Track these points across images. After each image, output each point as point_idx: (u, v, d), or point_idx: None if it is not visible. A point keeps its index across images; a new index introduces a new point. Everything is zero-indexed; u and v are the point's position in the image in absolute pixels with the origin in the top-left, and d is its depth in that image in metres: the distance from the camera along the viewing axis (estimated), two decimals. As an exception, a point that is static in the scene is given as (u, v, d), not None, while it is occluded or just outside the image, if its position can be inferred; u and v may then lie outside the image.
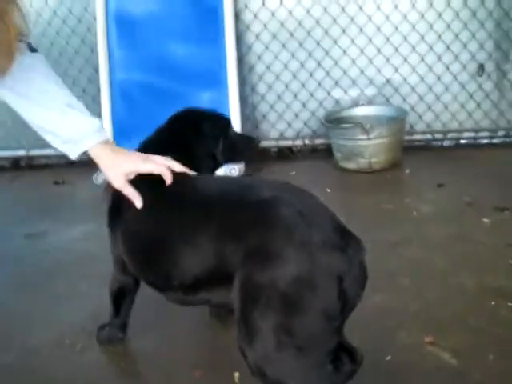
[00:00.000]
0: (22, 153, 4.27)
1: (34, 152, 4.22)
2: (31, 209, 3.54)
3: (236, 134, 2.21)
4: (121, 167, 1.74)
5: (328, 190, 3.41)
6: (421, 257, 2.56)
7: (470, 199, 3.07)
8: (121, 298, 2.04)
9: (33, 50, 1.80)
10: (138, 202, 1.72)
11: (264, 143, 4.05)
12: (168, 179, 1.72)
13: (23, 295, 2.52)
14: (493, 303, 2.19)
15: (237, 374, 1.87)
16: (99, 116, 3.89)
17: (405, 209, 3.07)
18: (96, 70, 3.96)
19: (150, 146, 1.94)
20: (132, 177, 1.76)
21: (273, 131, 4.11)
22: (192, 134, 1.99)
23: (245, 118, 4.05)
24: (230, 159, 2.16)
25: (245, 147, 2.18)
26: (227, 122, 2.14)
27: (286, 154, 4.10)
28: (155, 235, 1.69)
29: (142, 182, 1.76)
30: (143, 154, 1.81)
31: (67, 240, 3.04)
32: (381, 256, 2.58)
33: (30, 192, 3.89)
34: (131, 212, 1.75)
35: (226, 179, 1.78)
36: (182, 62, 3.83)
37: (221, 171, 3.53)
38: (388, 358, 1.95)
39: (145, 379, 1.98)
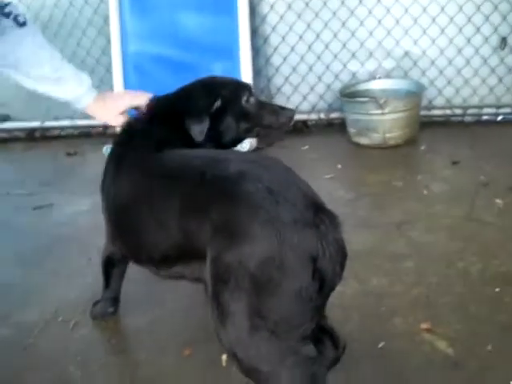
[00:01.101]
0: (36, 124, 4.27)
1: (49, 123, 4.23)
2: (42, 180, 3.54)
3: (261, 102, 2.03)
4: (111, 110, 2.01)
5: (339, 166, 3.33)
6: (426, 238, 2.48)
7: (485, 178, 2.96)
8: (110, 268, 2.04)
9: (21, 24, 1.84)
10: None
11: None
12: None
13: (22, 269, 2.52)
14: (497, 289, 2.10)
15: (224, 357, 1.83)
16: (111, 87, 3.87)
17: (415, 187, 2.98)
18: (109, 40, 3.91)
19: (162, 108, 1.92)
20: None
21: (287, 104, 3.99)
22: (201, 97, 1.89)
23: (259, 90, 3.97)
24: (249, 130, 1.98)
25: (269, 117, 1.97)
26: (242, 87, 1.98)
27: (300, 128, 4.00)
28: (126, 208, 1.69)
29: (118, 154, 1.79)
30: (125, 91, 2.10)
31: (72, 213, 3.04)
32: (384, 236, 2.52)
33: (42, 163, 3.90)
34: (108, 181, 1.78)
35: (197, 153, 1.66)
36: (195, 33, 3.75)
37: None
38: (381, 344, 1.89)
39: (133, 356, 1.98)
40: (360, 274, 2.27)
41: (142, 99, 1.99)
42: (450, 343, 1.87)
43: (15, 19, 1.79)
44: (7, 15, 1.79)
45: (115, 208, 1.76)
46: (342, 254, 1.41)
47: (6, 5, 1.81)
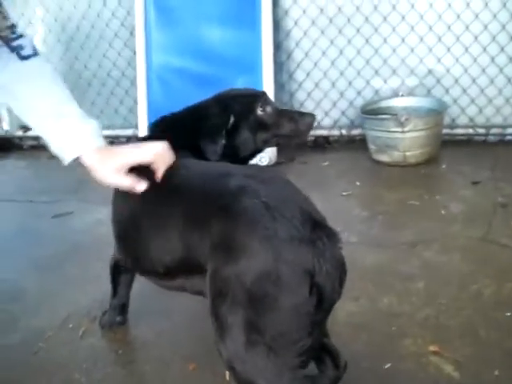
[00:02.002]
0: (62, 133, 4.34)
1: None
2: (65, 189, 3.60)
3: (279, 110, 1.96)
4: (107, 165, 1.62)
5: (357, 183, 3.32)
6: (440, 259, 2.45)
7: (504, 200, 2.92)
8: (117, 275, 2.06)
9: (23, 57, 1.68)
10: (138, 187, 1.63)
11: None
12: (158, 169, 1.63)
13: (36, 276, 2.57)
14: (508, 314, 2.07)
15: (228, 372, 1.83)
16: (135, 100, 3.93)
17: (433, 206, 2.95)
18: (135, 53, 3.97)
19: (175, 124, 1.90)
20: (124, 170, 1.65)
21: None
22: (215, 116, 1.87)
23: (282, 105, 3.98)
24: (268, 140, 1.93)
25: (285, 123, 1.92)
26: (256, 97, 1.92)
27: (321, 144, 4.01)
28: (129, 219, 1.72)
29: None
30: (135, 144, 1.77)
31: (92, 222, 3.07)
32: (398, 256, 2.50)
33: (66, 172, 3.85)
34: (116, 194, 1.80)
35: (201, 166, 1.66)
36: (218, 46, 3.79)
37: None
38: (387, 365, 1.87)
39: (138, 368, 1.99)
40: (371, 292, 2.26)
41: (147, 155, 1.63)
42: (456, 367, 1.84)
43: (18, 53, 1.66)
44: (12, 49, 1.66)
45: (119, 219, 1.79)
46: (340, 271, 1.40)
47: (19, 36, 1.67)
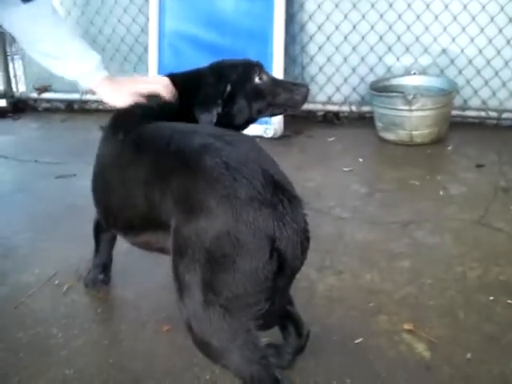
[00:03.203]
0: (76, 96, 4.39)
1: (87, 96, 4.33)
2: (71, 151, 3.64)
3: (274, 80, 1.97)
4: (121, 91, 1.86)
5: (360, 160, 3.29)
6: (430, 239, 2.43)
7: (506, 184, 2.87)
8: (98, 234, 2.09)
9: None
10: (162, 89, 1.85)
11: (310, 106, 3.96)
12: (164, 94, 1.83)
13: (31, 233, 2.61)
14: (491, 298, 2.04)
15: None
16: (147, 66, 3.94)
17: (433, 187, 2.91)
18: (149, 19, 3.96)
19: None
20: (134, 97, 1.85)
21: (320, 94, 3.98)
22: (211, 85, 1.87)
23: (293, 78, 3.95)
24: (262, 110, 1.94)
25: (281, 94, 1.93)
26: (252, 66, 1.93)
27: (330, 119, 3.97)
28: (100, 173, 1.78)
29: (109, 124, 1.83)
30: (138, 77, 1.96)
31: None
32: (388, 234, 2.49)
33: (75, 135, 4.01)
34: (98, 151, 1.83)
35: (170, 125, 1.66)
36: (231, 15, 3.77)
37: (256, 131, 3.53)
38: (358, 340, 1.86)
39: (114, 326, 2.02)
40: (355, 268, 2.25)
41: (157, 86, 1.85)
42: (428, 347, 1.82)
43: None
44: None
45: (94, 173, 1.82)
46: (303, 237, 1.38)
47: None
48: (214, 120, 1.84)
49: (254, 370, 1.41)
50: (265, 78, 1.93)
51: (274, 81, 1.97)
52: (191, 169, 1.40)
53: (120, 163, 1.66)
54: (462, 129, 3.60)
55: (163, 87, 1.86)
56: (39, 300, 2.14)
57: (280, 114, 2.13)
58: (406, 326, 1.92)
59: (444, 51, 3.62)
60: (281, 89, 1.95)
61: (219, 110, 1.86)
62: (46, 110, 4.61)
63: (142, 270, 2.26)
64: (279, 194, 1.35)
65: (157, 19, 3.89)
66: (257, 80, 1.92)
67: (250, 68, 1.93)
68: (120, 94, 1.86)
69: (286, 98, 1.94)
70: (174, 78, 1.95)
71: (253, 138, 1.57)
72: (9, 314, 2.07)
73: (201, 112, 1.83)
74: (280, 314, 1.55)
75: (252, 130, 3.70)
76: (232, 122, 1.90)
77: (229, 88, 1.88)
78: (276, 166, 1.45)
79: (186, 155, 1.44)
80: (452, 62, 3.61)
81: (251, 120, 1.97)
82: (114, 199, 1.69)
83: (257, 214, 1.31)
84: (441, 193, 2.84)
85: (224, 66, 1.94)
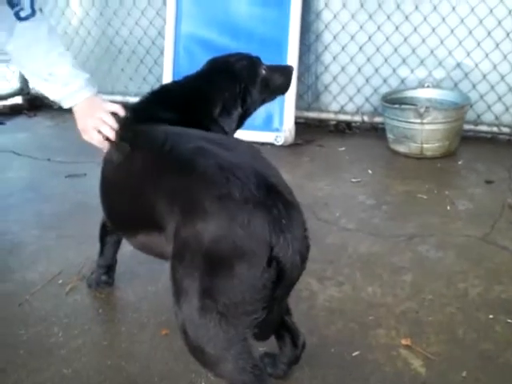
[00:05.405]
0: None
1: (104, 97, 4.35)
2: (85, 151, 3.63)
3: (270, 67, 2.06)
4: (87, 123, 1.92)
5: (369, 171, 3.28)
6: (433, 254, 2.42)
7: (514, 202, 2.85)
8: (103, 236, 2.12)
9: (22, 18, 1.86)
10: (104, 147, 1.86)
11: (323, 115, 3.98)
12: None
13: (39, 231, 2.66)
14: (491, 316, 2.04)
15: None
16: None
17: (440, 201, 2.90)
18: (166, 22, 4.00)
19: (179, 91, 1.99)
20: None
21: (333, 104, 3.99)
22: (227, 88, 1.93)
23: (306, 86, 3.97)
24: (266, 98, 2.06)
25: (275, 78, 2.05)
26: (255, 60, 2.02)
27: (342, 129, 3.97)
28: (105, 179, 1.83)
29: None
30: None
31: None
32: (392, 247, 2.49)
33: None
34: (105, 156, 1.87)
35: (166, 128, 1.68)
36: (246, 21, 3.79)
37: (266, 138, 3.55)
38: (356, 353, 1.87)
39: (114, 328, 2.04)
40: (357, 280, 2.26)
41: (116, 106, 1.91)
42: (424, 363, 1.83)
43: (16, 14, 1.82)
44: (12, 6, 1.81)
45: (101, 180, 1.85)
46: (302, 245, 1.37)
47: None
48: (236, 121, 1.91)
49: (247, 379, 1.42)
50: (265, 68, 2.04)
51: (270, 68, 2.07)
52: (183, 169, 1.43)
53: (119, 167, 1.71)
54: (474, 144, 3.58)
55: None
56: (42, 298, 2.17)
57: (273, 99, 2.17)
58: (404, 341, 1.92)
59: (458, 65, 3.60)
60: (277, 74, 2.07)
61: (240, 110, 1.93)
62: (61, 108, 4.64)
63: (146, 273, 2.29)
64: (273, 196, 1.34)
65: (173, 22, 3.93)
66: (263, 72, 2.01)
67: (254, 61, 2.03)
68: (87, 128, 1.91)
69: (281, 81, 2.09)
70: (180, 87, 2.00)
71: (248, 143, 1.60)
72: (13, 310, 2.10)
73: (224, 120, 1.88)
74: (277, 323, 1.56)
75: (263, 137, 3.74)
76: (244, 118, 1.98)
77: (243, 86, 1.94)
78: (272, 170, 1.46)
79: (179, 156, 1.47)
80: (466, 76, 3.59)
81: (254, 111, 2.05)
82: (114, 199, 1.76)
83: (252, 216, 1.31)
84: (448, 208, 2.83)
85: (231, 66, 1.99)
